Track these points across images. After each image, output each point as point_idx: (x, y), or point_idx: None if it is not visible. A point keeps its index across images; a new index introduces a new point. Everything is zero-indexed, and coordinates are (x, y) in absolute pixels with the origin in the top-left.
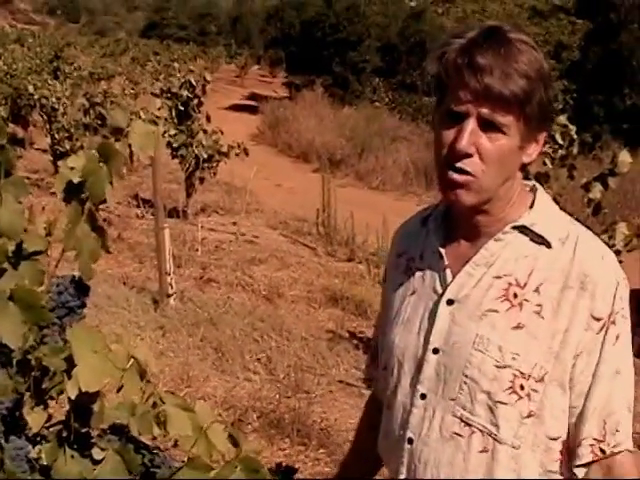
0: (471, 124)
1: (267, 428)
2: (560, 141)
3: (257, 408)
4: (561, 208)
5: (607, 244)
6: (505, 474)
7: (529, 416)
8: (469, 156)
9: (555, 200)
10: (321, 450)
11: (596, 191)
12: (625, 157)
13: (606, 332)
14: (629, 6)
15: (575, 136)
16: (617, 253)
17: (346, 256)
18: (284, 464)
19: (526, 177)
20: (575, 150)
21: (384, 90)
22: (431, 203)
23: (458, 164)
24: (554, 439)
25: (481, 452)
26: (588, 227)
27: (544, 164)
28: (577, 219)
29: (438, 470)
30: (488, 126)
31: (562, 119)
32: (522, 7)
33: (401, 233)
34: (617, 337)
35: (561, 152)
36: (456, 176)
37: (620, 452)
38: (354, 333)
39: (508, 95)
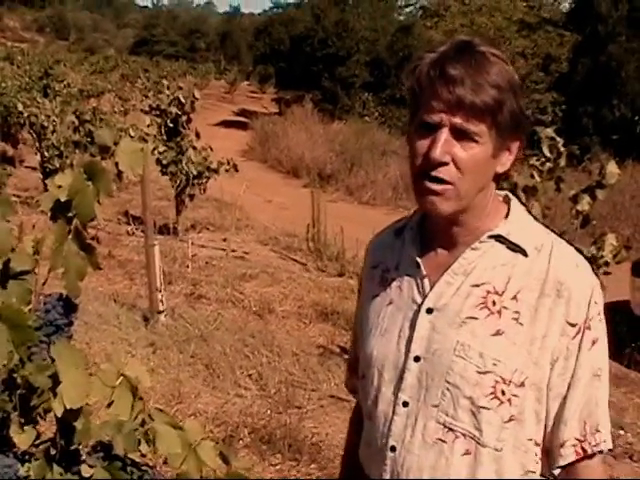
0: (444, 134)
1: (258, 444)
2: (548, 154)
3: (248, 424)
4: (549, 221)
5: (595, 256)
6: (487, 475)
7: (510, 420)
8: (444, 164)
9: (543, 213)
10: (313, 465)
11: (584, 203)
12: (613, 168)
13: (582, 337)
14: (617, 18)
15: (562, 148)
16: (606, 264)
17: (336, 271)
18: None
19: (513, 190)
20: (563, 162)
21: (373, 105)
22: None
23: (433, 173)
24: (530, 440)
25: (464, 455)
26: (573, 240)
27: (532, 177)
28: (565, 231)
29: (421, 475)
30: (461, 135)
31: (549, 132)
32: (511, 20)
33: (375, 244)
34: (593, 342)
35: (548, 165)
36: (432, 185)
37: (600, 452)
38: (345, 348)
39: (479, 104)
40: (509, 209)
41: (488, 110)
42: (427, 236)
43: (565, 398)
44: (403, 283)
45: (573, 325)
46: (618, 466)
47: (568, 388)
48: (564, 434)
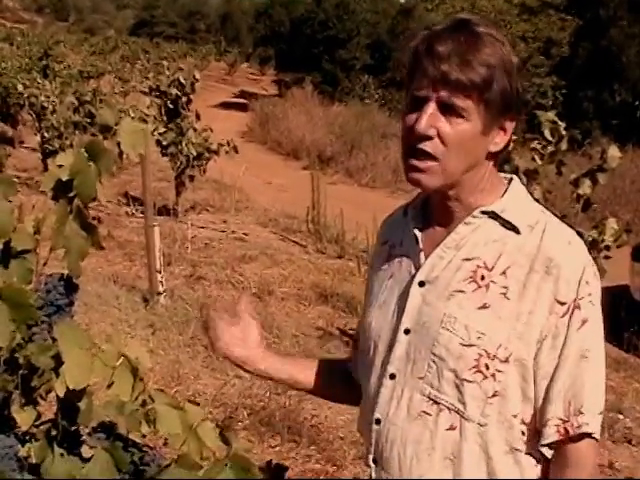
0: (430, 107)
1: (258, 425)
2: (549, 137)
3: (248, 405)
4: (550, 205)
5: (596, 240)
6: (472, 450)
7: (494, 395)
8: (429, 138)
9: (544, 197)
10: (312, 447)
11: (585, 187)
12: (614, 152)
13: (571, 316)
14: (618, 2)
15: (564, 132)
16: (607, 248)
17: (336, 253)
18: (274, 462)
19: (514, 173)
20: (564, 146)
21: (374, 87)
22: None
23: (419, 145)
24: (515, 416)
25: (448, 430)
26: (574, 224)
27: (533, 160)
28: (566, 215)
29: (405, 448)
30: (448, 110)
31: (551, 115)
32: (511, 3)
33: (387, 223)
34: (583, 322)
35: (550, 148)
36: (417, 162)
37: (585, 434)
38: (344, 330)
39: (465, 81)
40: (507, 188)
41: (474, 87)
42: (428, 213)
43: (552, 377)
44: (403, 258)
45: (562, 303)
46: (617, 450)
47: (555, 367)
48: (548, 413)
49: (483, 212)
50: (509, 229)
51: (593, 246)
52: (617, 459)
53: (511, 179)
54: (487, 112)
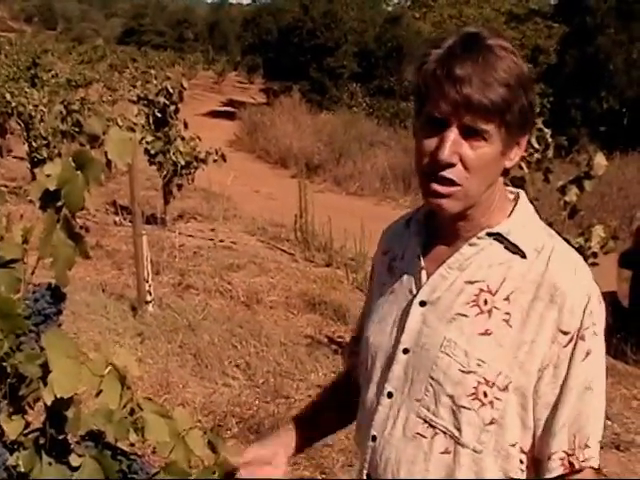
0: (453, 134)
1: (246, 433)
2: (536, 145)
3: (236, 414)
4: (537, 212)
5: (583, 247)
6: (466, 476)
7: (491, 423)
8: (452, 165)
9: (531, 204)
10: (300, 454)
11: (572, 194)
12: (600, 159)
13: (574, 347)
14: (605, 10)
15: (550, 140)
16: (594, 255)
17: (324, 261)
18: None
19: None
20: (550, 154)
21: (361, 95)
22: (408, 208)
23: (441, 173)
24: (513, 445)
25: (443, 453)
26: (561, 231)
27: (520, 168)
28: (553, 222)
29: (398, 468)
30: (470, 133)
31: (537, 123)
32: (499, 11)
33: (388, 232)
34: (587, 353)
35: (537, 156)
36: (439, 187)
37: (587, 467)
38: (332, 338)
39: (488, 104)
40: (514, 207)
41: (497, 109)
42: (432, 229)
43: (555, 408)
44: (404, 274)
45: (565, 333)
46: (605, 456)
47: (558, 399)
48: (552, 446)
49: (489, 234)
50: (514, 252)
51: (580, 253)
52: (605, 465)
53: (517, 195)
54: (507, 133)
